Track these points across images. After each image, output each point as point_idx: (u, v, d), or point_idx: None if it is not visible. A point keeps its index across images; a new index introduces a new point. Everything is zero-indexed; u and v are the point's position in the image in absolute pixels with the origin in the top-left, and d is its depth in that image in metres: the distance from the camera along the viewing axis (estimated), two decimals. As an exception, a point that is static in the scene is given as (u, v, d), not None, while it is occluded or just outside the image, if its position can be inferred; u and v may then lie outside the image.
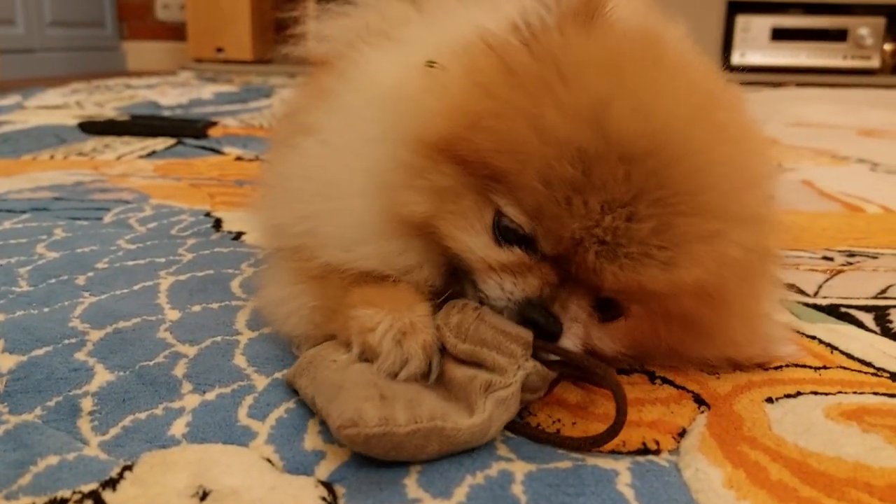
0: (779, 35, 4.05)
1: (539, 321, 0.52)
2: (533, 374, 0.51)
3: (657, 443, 0.51)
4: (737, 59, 4.02)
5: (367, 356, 0.53)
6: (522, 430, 0.52)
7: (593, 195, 0.49)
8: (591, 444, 0.50)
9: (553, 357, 0.52)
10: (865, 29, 3.96)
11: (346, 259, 0.59)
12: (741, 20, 4.04)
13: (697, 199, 0.49)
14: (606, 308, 0.54)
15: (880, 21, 3.96)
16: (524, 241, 0.53)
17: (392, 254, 0.58)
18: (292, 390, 0.57)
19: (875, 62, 4.01)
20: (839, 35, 4.01)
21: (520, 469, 0.48)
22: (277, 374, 0.60)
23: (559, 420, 0.54)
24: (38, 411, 0.54)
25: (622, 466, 0.48)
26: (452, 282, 0.58)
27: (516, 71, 0.52)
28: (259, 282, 0.71)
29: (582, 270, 0.51)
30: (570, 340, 0.53)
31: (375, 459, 0.48)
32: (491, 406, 0.49)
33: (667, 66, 0.53)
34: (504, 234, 0.53)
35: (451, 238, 0.55)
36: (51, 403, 0.55)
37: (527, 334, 0.52)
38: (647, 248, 0.49)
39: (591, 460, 0.49)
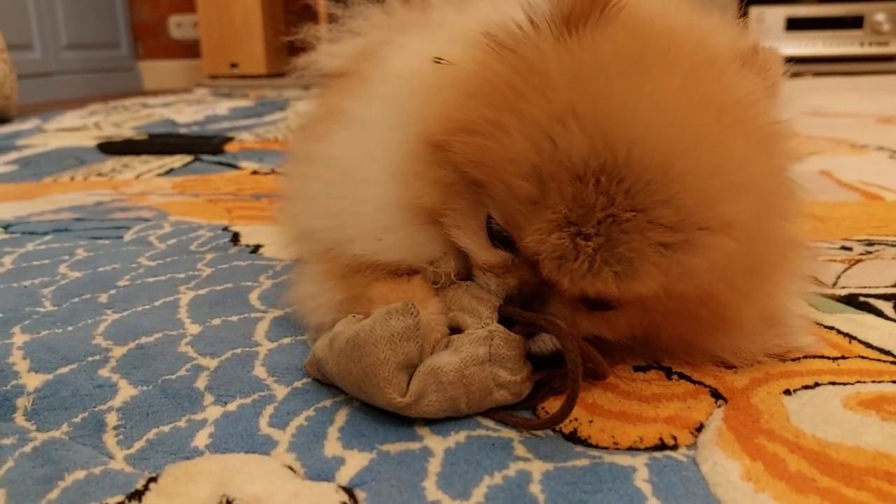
0: (794, 25, 4.02)
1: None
2: (497, 334, 0.54)
3: (674, 438, 0.52)
4: (751, 51, 3.99)
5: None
6: (493, 414, 0.55)
7: (545, 212, 0.50)
8: (547, 424, 0.52)
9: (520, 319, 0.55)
10: (882, 15, 3.92)
11: (376, 249, 0.61)
12: (755, 11, 4.02)
13: (650, 214, 0.48)
14: (594, 302, 0.55)
15: (896, 6, 3.92)
16: (510, 241, 0.55)
17: (419, 242, 0.60)
18: (312, 398, 0.58)
19: (893, 48, 3.96)
20: (855, 22, 3.97)
21: (537, 468, 0.48)
22: (297, 384, 0.61)
23: (576, 419, 0.54)
24: (64, 428, 0.55)
25: (639, 462, 0.49)
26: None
27: (492, 81, 0.53)
28: (290, 281, 0.74)
29: (546, 276, 0.53)
30: None
31: (393, 463, 0.49)
32: (458, 346, 0.54)
33: (648, 71, 0.50)
34: (495, 235, 0.56)
35: (453, 235, 0.58)
36: (77, 420, 0.56)
37: (496, 300, 0.57)
38: (593, 263, 0.50)
39: (609, 457, 0.49)
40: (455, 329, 0.58)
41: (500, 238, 0.56)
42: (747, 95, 0.54)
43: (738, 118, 0.52)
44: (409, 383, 0.52)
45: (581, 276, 0.50)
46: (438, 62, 0.58)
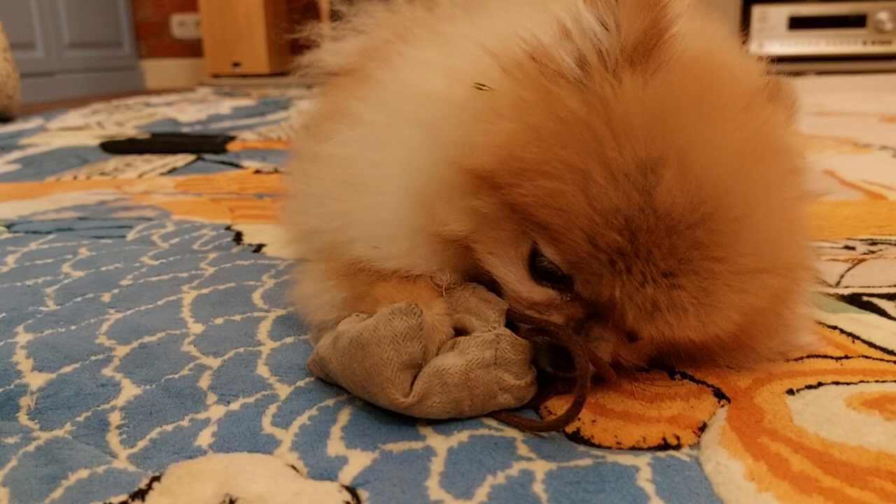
0: (796, 24, 4.02)
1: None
2: (504, 338, 0.54)
3: (677, 438, 0.52)
4: (754, 49, 3.99)
5: None
6: (497, 415, 0.55)
7: (637, 263, 0.49)
8: (552, 427, 0.52)
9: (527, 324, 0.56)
10: (885, 13, 3.91)
11: (374, 256, 0.61)
12: (757, 10, 4.01)
13: (738, 263, 0.49)
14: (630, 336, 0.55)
15: (899, 5, 3.91)
16: (559, 278, 0.54)
17: (418, 256, 0.60)
18: (314, 398, 0.58)
19: (896, 47, 3.96)
20: (858, 21, 3.96)
21: (540, 468, 0.48)
22: (300, 383, 0.61)
23: (579, 419, 0.54)
24: (67, 427, 0.55)
25: (643, 462, 0.49)
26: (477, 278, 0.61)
27: (566, 120, 0.50)
28: (292, 280, 0.74)
29: (619, 321, 0.52)
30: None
31: (396, 462, 0.49)
32: (464, 348, 0.54)
33: (719, 115, 0.51)
34: (538, 271, 0.54)
35: (487, 263, 0.57)
36: (80, 419, 0.56)
37: (503, 304, 0.57)
38: (685, 313, 0.50)
39: (612, 457, 0.49)
40: (461, 331, 0.57)
41: (547, 275, 0.54)
42: (787, 138, 0.57)
43: (787, 162, 0.55)
44: (413, 383, 0.52)
45: (669, 326, 0.50)
46: (481, 88, 0.55)
